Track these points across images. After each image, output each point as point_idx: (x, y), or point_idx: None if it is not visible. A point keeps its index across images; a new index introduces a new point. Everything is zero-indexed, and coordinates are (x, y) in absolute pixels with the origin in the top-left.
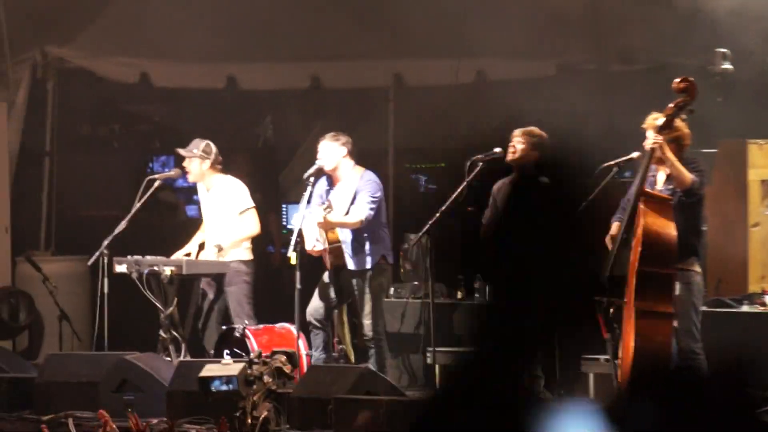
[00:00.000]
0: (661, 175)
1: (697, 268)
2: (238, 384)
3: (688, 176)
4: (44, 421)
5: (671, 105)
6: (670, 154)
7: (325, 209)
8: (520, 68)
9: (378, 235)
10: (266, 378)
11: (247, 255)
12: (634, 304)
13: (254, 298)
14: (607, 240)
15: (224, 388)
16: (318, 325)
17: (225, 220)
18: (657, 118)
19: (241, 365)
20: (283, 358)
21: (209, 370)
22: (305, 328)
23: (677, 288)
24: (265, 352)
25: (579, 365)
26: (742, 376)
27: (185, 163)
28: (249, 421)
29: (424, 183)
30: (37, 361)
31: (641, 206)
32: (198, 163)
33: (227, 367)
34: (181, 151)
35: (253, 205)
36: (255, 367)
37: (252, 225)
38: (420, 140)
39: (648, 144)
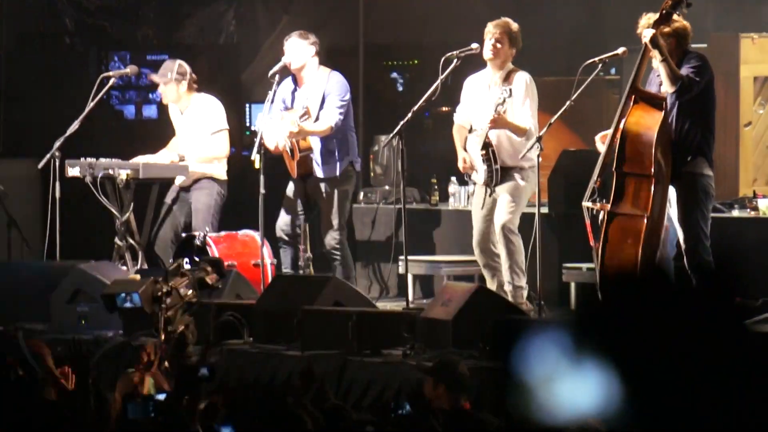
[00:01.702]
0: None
1: (705, 170)
2: (142, 301)
3: (677, 74)
4: None
5: None
6: (662, 51)
7: (301, 116)
8: None
9: (347, 139)
10: (183, 291)
11: (222, 174)
12: (609, 208)
13: (220, 218)
14: (598, 141)
15: (128, 305)
16: (287, 239)
17: (197, 138)
18: (651, 19)
19: (147, 280)
20: (208, 267)
21: (115, 284)
22: (269, 235)
23: (680, 193)
24: (227, 261)
25: (560, 274)
26: (731, 283)
27: (160, 89)
28: (162, 337)
29: (397, 81)
30: None
31: (630, 103)
32: (174, 87)
33: (133, 282)
34: (155, 78)
35: (227, 127)
36: (172, 280)
37: (221, 146)
38: (392, 36)
39: (645, 39)
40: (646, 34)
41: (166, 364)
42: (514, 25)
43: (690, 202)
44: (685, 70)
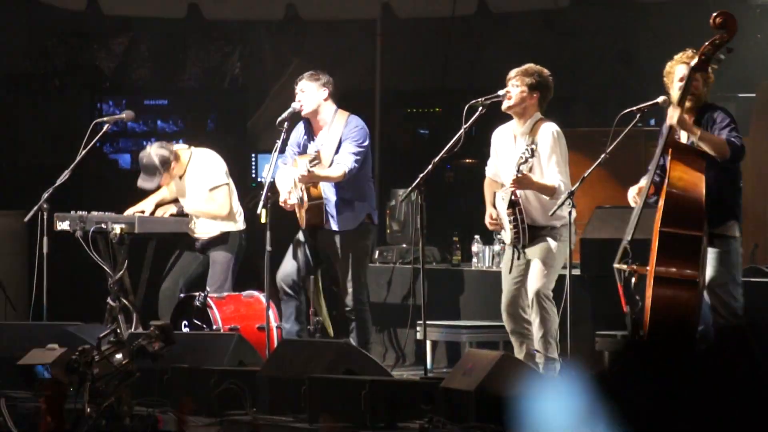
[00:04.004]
0: (684, 133)
1: (737, 233)
2: (53, 372)
3: (722, 142)
4: None
5: (707, 43)
6: (692, 129)
7: (311, 161)
8: None
9: (364, 190)
10: (117, 359)
11: (236, 225)
12: (654, 270)
13: (236, 272)
14: (632, 196)
15: (47, 375)
16: (290, 292)
17: (195, 194)
18: (692, 57)
19: (62, 350)
20: (154, 333)
21: (32, 357)
22: (276, 296)
23: (715, 257)
24: (229, 324)
25: (593, 343)
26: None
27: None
28: (87, 409)
29: (416, 129)
30: None
31: (669, 158)
32: (168, 176)
33: (51, 351)
34: (145, 186)
35: (227, 182)
36: (104, 347)
37: (219, 204)
38: (412, 81)
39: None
40: (671, 113)
41: None
42: (535, 68)
43: (725, 267)
44: (725, 134)
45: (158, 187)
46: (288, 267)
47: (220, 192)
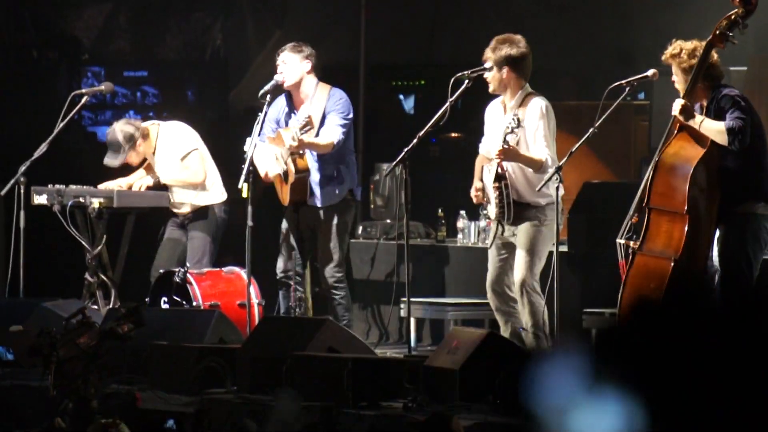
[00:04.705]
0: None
1: (758, 211)
2: (16, 355)
3: (721, 132)
4: None
5: (723, 18)
6: (698, 118)
7: (302, 128)
8: None
9: (347, 164)
10: (83, 341)
11: (216, 197)
12: (637, 245)
13: (217, 247)
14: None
15: (10, 357)
16: (288, 283)
17: (169, 166)
18: (677, 49)
19: (26, 331)
20: (122, 314)
21: None
22: (256, 271)
23: (728, 234)
24: (210, 300)
25: (581, 320)
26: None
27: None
28: (53, 392)
29: (401, 103)
30: None
31: (675, 132)
32: (134, 153)
33: (16, 333)
34: (110, 164)
35: (196, 147)
36: (70, 329)
37: (194, 170)
38: (396, 53)
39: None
40: (675, 105)
41: (59, 420)
42: (499, 44)
43: (734, 243)
44: (729, 120)
45: (131, 171)
46: (283, 260)
47: (192, 158)
